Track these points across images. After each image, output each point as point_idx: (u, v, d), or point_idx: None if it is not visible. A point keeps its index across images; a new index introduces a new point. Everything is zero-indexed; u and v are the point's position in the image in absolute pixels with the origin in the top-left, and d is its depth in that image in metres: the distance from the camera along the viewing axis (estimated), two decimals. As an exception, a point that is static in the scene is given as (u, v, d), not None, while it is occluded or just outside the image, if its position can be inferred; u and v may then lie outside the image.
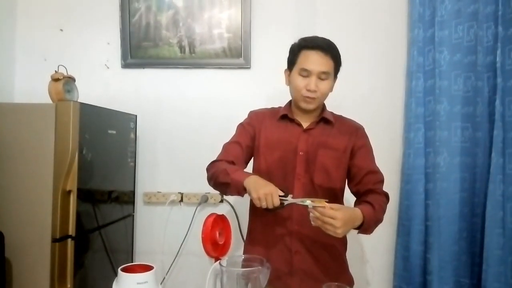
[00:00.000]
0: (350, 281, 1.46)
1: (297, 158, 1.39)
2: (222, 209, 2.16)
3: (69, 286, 1.55)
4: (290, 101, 1.51)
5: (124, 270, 1.16)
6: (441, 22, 1.96)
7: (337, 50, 1.40)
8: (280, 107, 1.52)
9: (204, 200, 2.16)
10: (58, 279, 1.52)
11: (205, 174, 2.23)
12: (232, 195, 1.34)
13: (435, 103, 1.96)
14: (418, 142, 2.01)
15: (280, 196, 1.18)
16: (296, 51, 1.41)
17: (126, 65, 2.23)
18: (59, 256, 1.53)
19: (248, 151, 1.47)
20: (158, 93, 2.24)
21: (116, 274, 1.16)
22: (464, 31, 1.95)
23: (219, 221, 1.30)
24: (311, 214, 1.18)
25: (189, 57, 2.20)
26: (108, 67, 2.26)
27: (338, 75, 2.08)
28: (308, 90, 1.35)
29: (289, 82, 1.45)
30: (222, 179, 1.32)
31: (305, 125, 1.44)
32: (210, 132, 2.20)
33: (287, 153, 1.40)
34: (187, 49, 2.20)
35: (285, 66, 1.49)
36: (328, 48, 1.36)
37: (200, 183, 2.16)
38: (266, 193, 1.17)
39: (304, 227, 1.35)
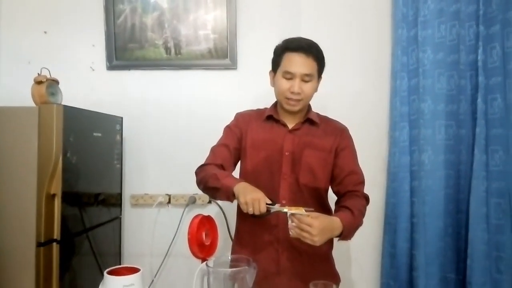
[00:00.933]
0: (337, 279, 1.47)
1: (283, 158, 1.40)
2: (210, 210, 2.16)
3: (55, 290, 1.54)
4: (276, 102, 1.51)
5: (110, 273, 1.15)
6: (424, 21, 1.99)
7: (320, 51, 1.41)
8: (266, 108, 1.53)
9: (192, 201, 2.16)
10: (44, 284, 1.50)
11: (193, 176, 2.22)
12: (221, 199, 1.35)
13: (419, 101, 1.98)
14: (403, 141, 2.04)
15: (267, 204, 1.19)
16: (279, 52, 1.42)
17: (111, 67, 2.22)
18: (44, 260, 1.51)
19: (235, 153, 1.48)
20: (144, 95, 2.23)
21: (103, 277, 1.15)
22: (446, 30, 1.98)
23: (205, 222, 1.30)
24: (289, 222, 1.19)
25: (175, 58, 2.19)
26: (93, 69, 2.24)
27: (324, 76, 2.09)
28: (292, 93, 1.36)
29: (273, 83, 1.46)
30: (212, 183, 1.33)
31: (290, 125, 1.45)
32: (197, 133, 2.19)
33: (273, 153, 1.41)
34: (173, 51, 2.19)
35: (271, 67, 1.50)
36: (310, 50, 1.37)
37: (188, 185, 2.17)
38: (254, 199, 1.18)
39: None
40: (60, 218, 1.55)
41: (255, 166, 1.42)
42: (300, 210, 1.18)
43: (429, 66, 1.98)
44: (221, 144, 1.49)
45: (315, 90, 1.44)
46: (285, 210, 1.19)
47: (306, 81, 1.37)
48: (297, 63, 1.36)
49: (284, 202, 1.33)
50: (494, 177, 1.84)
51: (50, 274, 1.53)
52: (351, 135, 1.51)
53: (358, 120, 2.15)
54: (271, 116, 1.47)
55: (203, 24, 2.17)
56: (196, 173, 1.46)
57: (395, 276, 2.03)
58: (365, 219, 2.11)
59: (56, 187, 1.54)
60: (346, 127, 1.52)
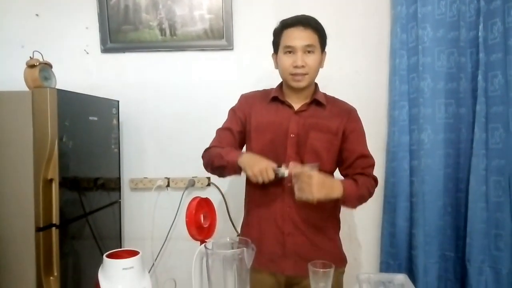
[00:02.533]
0: (343, 260, 1.47)
1: (287, 140, 1.39)
2: (210, 193, 2.16)
3: (55, 274, 1.54)
4: (281, 83, 1.49)
5: (109, 256, 1.16)
6: (424, -3, 1.94)
7: (319, 23, 1.39)
8: (272, 89, 1.50)
9: (191, 184, 2.15)
10: (44, 268, 1.51)
11: (192, 158, 2.23)
12: (230, 175, 1.39)
13: (419, 80, 1.96)
14: (402, 120, 2.02)
15: (274, 168, 1.23)
16: (278, 32, 1.41)
17: (106, 49, 2.18)
18: (44, 245, 1.51)
19: (240, 136, 1.47)
20: (140, 78, 2.20)
21: (103, 261, 1.15)
22: (446, 6, 1.94)
23: (203, 204, 1.30)
24: (295, 186, 1.22)
25: (170, 39, 2.15)
26: (87, 53, 2.21)
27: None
28: (296, 67, 1.34)
29: (276, 64, 1.44)
30: (217, 163, 1.36)
31: (296, 106, 1.43)
32: (195, 114, 2.18)
33: (278, 136, 1.40)
34: (168, 32, 2.15)
35: (269, 45, 1.47)
36: (308, 22, 1.36)
37: (187, 167, 2.19)
38: (261, 169, 1.21)
39: (296, 209, 1.37)
40: (58, 202, 1.55)
41: (260, 148, 1.41)
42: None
43: (429, 43, 1.95)
44: (225, 128, 1.49)
45: (321, 64, 1.42)
46: (284, 171, 1.23)
47: (308, 53, 1.35)
48: (297, 36, 1.34)
49: (290, 162, 1.30)
50: (493, 155, 1.84)
51: (50, 259, 1.54)
52: (359, 117, 1.49)
53: (357, 99, 2.10)
54: (276, 98, 1.44)
55: (198, 4, 2.12)
56: (202, 156, 1.47)
57: (395, 255, 2.05)
58: (364, 199, 2.13)
59: (53, 172, 1.53)
60: (354, 108, 1.49)
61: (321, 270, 1.11)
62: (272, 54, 1.47)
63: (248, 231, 1.45)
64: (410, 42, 2.00)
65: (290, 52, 1.35)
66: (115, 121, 2.06)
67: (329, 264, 1.12)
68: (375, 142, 2.13)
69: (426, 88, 1.95)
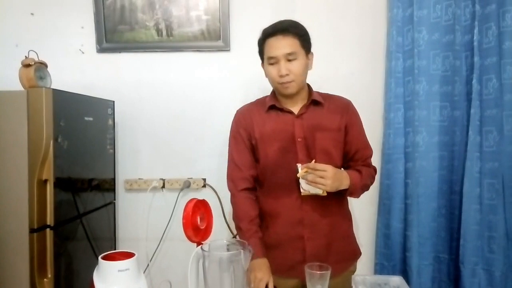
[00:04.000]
0: (356, 253, 1.53)
1: (296, 145, 1.40)
2: (205, 194, 2.16)
3: (49, 276, 1.53)
4: (274, 91, 1.50)
5: (105, 258, 1.15)
6: (420, 1, 1.96)
7: (300, 27, 1.40)
8: (265, 97, 1.51)
9: (187, 185, 2.15)
10: (38, 270, 1.50)
11: (187, 159, 2.23)
12: None
13: (414, 83, 1.97)
14: (398, 122, 2.03)
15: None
16: (261, 43, 1.42)
17: (101, 49, 2.17)
18: (38, 246, 1.50)
19: (252, 153, 1.48)
20: (135, 78, 2.19)
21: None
22: (442, 10, 1.95)
23: (200, 206, 1.29)
24: (301, 182, 1.30)
25: (167, 40, 2.15)
26: (83, 52, 2.19)
27: (318, 56, 2.06)
28: (281, 76, 1.35)
29: (266, 74, 1.45)
30: (238, 234, 1.44)
31: (295, 111, 1.43)
32: (191, 116, 2.17)
33: (286, 142, 1.40)
34: (164, 32, 2.14)
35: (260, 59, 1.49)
36: (286, 29, 1.36)
37: (182, 169, 2.18)
38: (257, 277, 1.27)
39: (314, 213, 1.40)
40: (53, 203, 1.53)
41: (270, 158, 1.42)
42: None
43: (424, 46, 1.96)
44: (236, 153, 1.47)
45: (307, 67, 1.43)
46: (298, 169, 1.29)
47: (291, 60, 1.35)
48: (276, 45, 1.35)
49: (298, 164, 1.33)
50: (487, 157, 1.86)
51: (45, 260, 1.53)
52: (356, 108, 1.53)
53: (353, 101, 2.12)
54: (273, 106, 1.45)
55: (195, 4, 2.12)
56: (231, 202, 1.49)
57: (389, 256, 2.06)
58: (359, 200, 2.14)
59: (48, 173, 1.52)
60: (349, 101, 1.52)
61: (318, 272, 1.11)
62: (261, 63, 1.48)
63: (267, 241, 1.44)
64: (406, 45, 2.02)
65: (273, 62, 1.37)
66: (110, 122, 2.04)
67: (326, 266, 1.13)
68: (371, 144, 2.12)
69: (421, 91, 1.97)
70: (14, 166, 1.49)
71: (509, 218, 1.82)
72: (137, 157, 2.22)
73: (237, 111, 1.54)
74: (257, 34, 1.45)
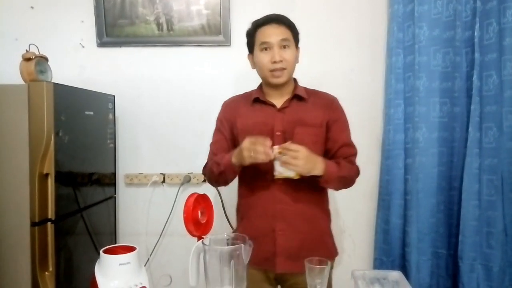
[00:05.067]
0: (334, 254, 1.50)
1: (274, 138, 1.39)
2: (205, 189, 2.14)
3: (51, 269, 1.54)
4: (261, 84, 1.51)
5: (106, 251, 1.15)
6: (421, -4, 1.95)
7: (291, 21, 1.43)
8: (252, 91, 1.52)
9: (187, 180, 2.15)
10: (39, 263, 1.51)
11: (187, 154, 2.23)
12: (232, 178, 1.43)
13: (415, 79, 1.97)
14: (398, 118, 2.04)
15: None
16: (252, 32, 1.43)
17: (102, 44, 2.16)
18: (39, 240, 1.50)
19: (233, 143, 1.49)
20: (136, 72, 2.18)
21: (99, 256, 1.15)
22: (443, 6, 1.95)
23: (201, 200, 1.30)
24: (275, 163, 1.27)
25: (167, 34, 2.14)
26: (83, 46, 2.19)
27: (318, 52, 2.07)
28: (274, 62, 1.36)
29: (254, 64, 1.46)
30: (216, 170, 1.40)
31: (278, 104, 1.44)
32: (191, 110, 2.17)
33: (265, 135, 1.37)
34: (165, 27, 2.14)
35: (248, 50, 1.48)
36: (281, 19, 1.39)
37: (183, 163, 2.18)
38: (250, 148, 1.24)
39: (288, 205, 1.39)
40: (54, 197, 1.54)
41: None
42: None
43: (425, 42, 1.96)
44: (216, 140, 1.52)
45: (296, 59, 1.44)
46: (274, 150, 1.25)
47: (284, 48, 1.37)
48: (271, 32, 1.37)
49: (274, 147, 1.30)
50: (487, 154, 1.86)
51: (46, 254, 1.53)
52: (342, 106, 1.51)
53: (353, 97, 2.13)
54: (258, 99, 1.46)
55: (195, -1, 2.11)
56: (203, 173, 1.53)
57: (388, 252, 2.07)
58: (359, 195, 2.16)
59: (49, 167, 1.52)
60: (335, 98, 1.51)
61: (318, 267, 1.11)
62: (248, 55, 1.49)
63: (242, 232, 1.45)
64: (407, 41, 2.02)
65: (266, 48, 1.38)
66: (111, 116, 2.05)
67: (325, 260, 1.13)
68: (370, 139, 2.15)
69: (422, 86, 1.97)
70: (15, 160, 1.49)
71: (508, 214, 1.83)
72: (137, 152, 2.22)
73: (224, 101, 1.57)
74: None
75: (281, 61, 1.36)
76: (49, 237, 1.54)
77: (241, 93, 1.57)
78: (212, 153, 1.51)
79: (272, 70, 1.38)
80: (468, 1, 1.90)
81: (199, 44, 2.15)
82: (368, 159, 2.15)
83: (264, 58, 1.38)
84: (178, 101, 2.19)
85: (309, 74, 2.11)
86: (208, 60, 2.16)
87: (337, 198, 2.10)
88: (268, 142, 1.24)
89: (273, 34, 1.37)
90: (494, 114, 1.83)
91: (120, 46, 2.18)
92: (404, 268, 1.99)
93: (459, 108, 1.94)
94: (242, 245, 1.09)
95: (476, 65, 1.84)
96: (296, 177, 1.28)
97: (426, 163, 1.98)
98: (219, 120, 1.53)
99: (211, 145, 1.53)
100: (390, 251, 2.06)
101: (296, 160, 1.22)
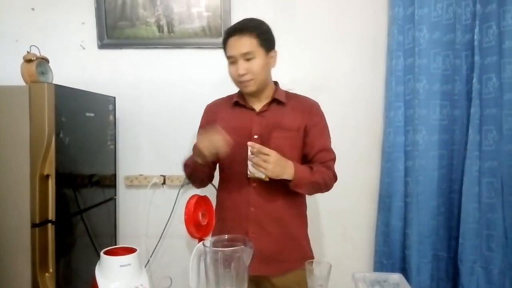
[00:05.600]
0: (309, 258, 1.47)
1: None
2: (205, 191, 2.15)
3: (51, 271, 1.53)
4: None
5: (106, 253, 1.15)
6: (421, 0, 1.96)
7: (260, 25, 1.40)
8: (234, 94, 1.52)
9: (187, 182, 2.15)
10: (40, 264, 1.50)
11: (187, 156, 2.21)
12: (206, 177, 1.50)
13: (415, 81, 1.98)
14: (398, 121, 2.04)
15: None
16: (223, 44, 1.43)
17: (102, 45, 2.17)
18: (39, 241, 1.50)
19: None
20: (136, 74, 2.19)
21: (99, 258, 1.15)
22: (443, 9, 1.96)
23: (202, 202, 1.30)
24: (249, 163, 1.28)
25: (168, 36, 2.15)
26: (83, 48, 2.19)
27: (318, 54, 2.06)
28: (239, 75, 1.36)
29: None
30: (187, 173, 1.48)
31: (257, 108, 1.45)
32: (191, 112, 2.14)
33: (242, 138, 1.39)
34: (165, 29, 2.14)
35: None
36: (243, 28, 1.36)
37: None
38: (204, 139, 1.27)
39: (262, 209, 1.39)
40: (54, 199, 1.54)
41: (228, 153, 1.41)
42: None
43: (425, 45, 1.97)
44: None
45: (268, 65, 1.42)
46: (249, 149, 1.27)
47: (248, 60, 1.36)
48: (232, 45, 1.37)
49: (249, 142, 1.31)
50: (487, 156, 1.87)
51: (46, 255, 1.53)
52: (322, 111, 1.50)
53: (353, 100, 2.15)
54: (237, 102, 1.47)
55: (196, 1, 2.12)
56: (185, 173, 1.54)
57: (388, 254, 2.07)
58: (359, 198, 2.16)
59: (50, 168, 1.52)
60: (316, 103, 1.50)
61: (319, 269, 1.11)
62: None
63: (218, 234, 1.45)
64: (407, 43, 2.02)
65: (232, 61, 1.38)
66: (111, 117, 2.05)
67: (327, 263, 1.13)
68: (370, 142, 2.16)
69: (422, 89, 1.97)
70: (16, 161, 1.49)
71: (508, 216, 1.83)
72: (137, 154, 2.22)
73: (207, 105, 1.58)
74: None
75: (245, 74, 1.36)
76: (49, 238, 1.54)
77: (225, 96, 1.57)
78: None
79: (240, 82, 1.39)
80: (468, 4, 1.91)
81: (200, 46, 2.15)
82: (368, 162, 2.15)
83: (231, 71, 1.40)
84: (178, 103, 2.19)
85: (309, 76, 2.13)
86: (209, 62, 2.16)
87: (337, 201, 2.10)
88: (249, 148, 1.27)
89: (236, 47, 1.36)
90: (494, 117, 1.84)
91: (121, 48, 2.18)
92: (404, 270, 1.99)
93: (459, 110, 1.95)
94: (243, 247, 1.10)
95: (476, 68, 1.85)
96: (266, 179, 1.30)
97: (426, 165, 1.98)
98: (201, 124, 1.55)
99: (192, 148, 1.51)
100: (391, 254, 2.06)
101: (266, 164, 1.24)
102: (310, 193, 1.45)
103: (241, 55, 1.35)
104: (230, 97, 1.54)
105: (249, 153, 1.27)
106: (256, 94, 1.43)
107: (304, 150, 1.44)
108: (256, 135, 1.40)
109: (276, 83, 1.51)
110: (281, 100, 1.44)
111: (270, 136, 1.39)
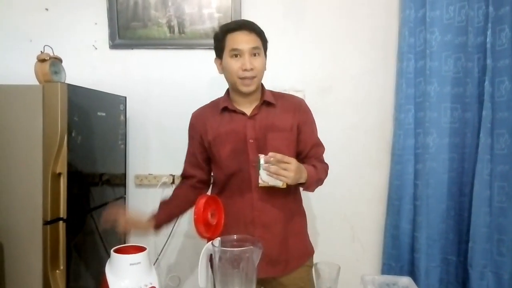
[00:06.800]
0: (310, 253, 1.52)
1: (248, 146, 1.39)
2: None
3: (62, 268, 1.55)
4: (228, 91, 1.49)
5: (117, 251, 1.17)
6: (433, 2, 1.95)
7: (261, 28, 1.40)
8: (219, 99, 1.50)
9: (196, 182, 2.16)
10: (51, 261, 1.52)
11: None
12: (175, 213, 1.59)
13: (426, 84, 1.96)
14: (408, 123, 2.03)
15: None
16: (221, 37, 1.39)
17: (114, 46, 2.19)
18: (51, 238, 1.52)
19: (204, 156, 1.50)
20: (147, 75, 2.20)
21: (109, 256, 1.16)
22: (455, 11, 1.95)
23: (211, 202, 1.30)
24: (260, 170, 1.26)
25: (179, 37, 2.16)
26: (96, 48, 2.21)
27: (329, 56, 2.06)
28: (245, 70, 1.34)
29: (222, 69, 1.43)
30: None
31: (248, 112, 1.42)
32: (201, 114, 2.18)
33: (238, 144, 1.40)
34: (176, 30, 2.16)
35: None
36: (252, 26, 1.37)
37: (192, 165, 2.19)
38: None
39: (265, 212, 1.39)
40: (66, 197, 1.56)
41: (223, 160, 1.42)
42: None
43: (437, 48, 1.96)
44: (188, 154, 1.56)
45: (265, 67, 1.42)
46: (261, 159, 1.25)
47: (255, 56, 1.35)
48: (243, 39, 1.34)
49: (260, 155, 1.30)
50: (498, 160, 1.85)
51: (57, 252, 1.55)
52: (308, 106, 1.51)
53: (363, 101, 2.14)
54: (226, 108, 1.44)
55: (207, 2, 2.13)
56: None
57: (397, 257, 2.06)
58: (368, 200, 2.15)
59: (62, 166, 1.54)
60: (302, 100, 1.52)
61: (327, 271, 1.11)
62: (215, 59, 1.45)
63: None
64: (418, 46, 2.01)
65: (236, 55, 1.35)
66: (122, 117, 2.07)
67: (335, 264, 1.13)
68: (380, 144, 2.15)
69: (433, 92, 1.96)
70: (29, 159, 1.51)
71: (519, 221, 1.81)
72: (147, 153, 2.24)
73: (192, 114, 1.55)
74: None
75: (252, 69, 1.34)
76: (60, 235, 1.56)
77: (209, 102, 1.55)
78: (184, 172, 1.57)
79: (242, 78, 1.35)
80: (481, 7, 1.90)
81: (210, 47, 2.12)
82: (377, 164, 2.15)
83: (234, 64, 1.35)
84: (189, 103, 2.17)
85: (318, 77, 2.13)
86: (219, 63, 2.17)
87: (346, 203, 2.10)
88: (262, 157, 1.26)
89: (244, 41, 1.34)
90: (506, 120, 1.82)
91: (132, 48, 2.20)
92: (412, 274, 1.98)
93: (471, 114, 1.93)
94: (252, 247, 1.10)
95: (488, 70, 1.83)
96: (283, 187, 1.28)
97: (436, 168, 1.97)
98: (190, 136, 1.54)
99: (185, 161, 1.57)
100: (399, 257, 2.05)
101: (287, 172, 1.22)
102: (313, 190, 1.45)
103: (250, 49, 1.34)
104: (215, 102, 1.51)
105: (261, 162, 1.25)
106: (248, 95, 1.41)
107: (298, 147, 1.44)
108: (252, 139, 1.39)
109: (261, 84, 1.48)
110: (270, 101, 1.43)
111: (265, 138, 1.39)
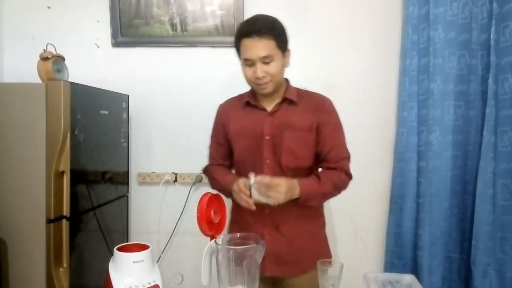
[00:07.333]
0: (326, 257, 1.45)
1: (263, 142, 1.39)
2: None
3: (65, 266, 1.56)
4: None
5: (120, 249, 1.17)
6: (436, -1, 1.94)
7: (277, 26, 1.35)
8: (246, 92, 1.50)
9: (199, 180, 2.17)
10: (54, 260, 1.53)
11: (199, 154, 2.24)
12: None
13: (429, 81, 1.96)
14: (411, 121, 2.02)
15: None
16: (237, 40, 1.37)
17: (116, 43, 2.19)
18: (54, 236, 1.53)
19: (228, 146, 1.50)
20: (150, 72, 2.20)
21: (112, 254, 1.17)
22: (459, 8, 1.94)
23: (214, 200, 1.31)
24: (252, 190, 1.26)
25: (181, 35, 2.16)
26: (98, 46, 2.21)
27: (331, 53, 2.04)
28: (257, 78, 1.33)
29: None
30: (215, 187, 1.49)
31: (269, 108, 1.42)
32: (204, 111, 2.16)
33: (254, 139, 1.40)
34: (179, 27, 2.15)
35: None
36: (263, 31, 1.30)
37: (195, 163, 2.19)
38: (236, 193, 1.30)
39: (277, 211, 1.36)
40: (69, 195, 1.56)
41: (240, 153, 1.43)
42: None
43: (440, 45, 1.95)
44: (212, 145, 1.56)
45: (285, 66, 1.39)
46: (251, 179, 1.25)
47: (267, 63, 1.32)
48: (252, 48, 1.31)
49: (251, 174, 1.30)
50: (502, 158, 1.84)
51: (61, 250, 1.55)
52: (335, 108, 1.45)
53: (366, 99, 2.13)
54: (249, 102, 1.44)
55: (209, 0, 2.12)
56: (204, 173, 1.58)
57: (400, 255, 2.05)
58: (370, 198, 2.15)
59: (65, 165, 1.54)
60: (328, 99, 1.46)
61: (330, 268, 1.11)
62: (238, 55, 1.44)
63: (232, 230, 1.47)
64: (421, 43, 2.00)
65: (249, 64, 1.34)
66: (125, 115, 2.07)
67: (339, 262, 1.13)
68: (383, 142, 2.14)
69: (436, 89, 1.95)
70: (32, 157, 1.51)
71: (523, 219, 1.80)
72: (150, 151, 2.24)
73: (220, 105, 1.56)
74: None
75: (264, 76, 1.33)
76: (63, 234, 1.56)
77: (237, 95, 1.55)
78: (211, 157, 1.56)
79: (257, 84, 1.36)
80: (485, 3, 1.88)
81: (213, 45, 2.16)
82: (379, 162, 2.14)
83: (247, 71, 1.35)
84: (191, 101, 2.20)
85: (321, 75, 2.12)
86: (222, 61, 2.17)
87: (348, 201, 2.09)
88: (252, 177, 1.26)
89: (254, 50, 1.30)
90: (509, 118, 1.81)
91: (135, 46, 2.20)
92: (415, 271, 1.97)
93: (474, 111, 1.92)
94: (255, 245, 1.10)
95: (492, 68, 1.83)
96: (275, 205, 1.27)
97: (439, 166, 1.96)
98: (214, 125, 1.54)
99: (210, 147, 1.57)
100: (402, 255, 2.05)
101: (276, 193, 1.23)
102: (322, 203, 1.45)
103: (260, 58, 1.31)
104: (241, 96, 1.51)
105: (252, 180, 1.25)
106: (271, 94, 1.41)
107: (317, 149, 1.41)
108: (268, 135, 1.39)
109: (287, 80, 1.48)
110: (292, 99, 1.41)
111: (281, 136, 1.38)
